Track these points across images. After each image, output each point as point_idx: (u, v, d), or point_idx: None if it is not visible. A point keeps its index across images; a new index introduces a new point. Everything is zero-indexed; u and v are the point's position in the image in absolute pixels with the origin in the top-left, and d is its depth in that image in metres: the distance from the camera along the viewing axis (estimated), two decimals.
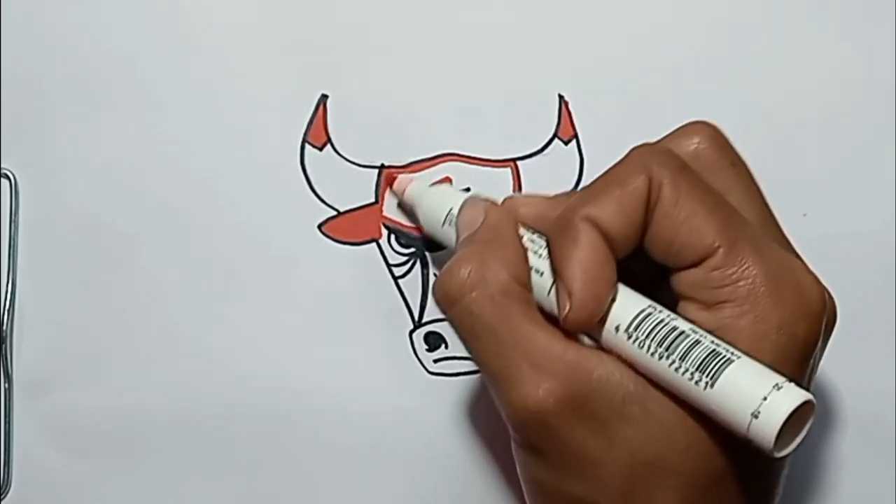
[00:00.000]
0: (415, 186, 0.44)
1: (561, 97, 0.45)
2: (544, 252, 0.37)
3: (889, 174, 0.45)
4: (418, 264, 0.45)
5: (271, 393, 0.45)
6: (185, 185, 0.45)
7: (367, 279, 0.45)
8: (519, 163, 0.45)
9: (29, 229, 0.46)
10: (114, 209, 0.46)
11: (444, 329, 0.45)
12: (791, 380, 0.32)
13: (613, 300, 0.35)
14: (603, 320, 0.35)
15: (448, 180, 0.45)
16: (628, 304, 0.35)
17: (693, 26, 0.45)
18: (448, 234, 0.41)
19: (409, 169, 0.45)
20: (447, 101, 0.45)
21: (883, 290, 0.44)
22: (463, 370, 0.45)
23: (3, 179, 0.46)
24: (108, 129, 0.46)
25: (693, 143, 0.37)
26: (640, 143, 0.37)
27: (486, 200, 0.40)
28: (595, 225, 0.35)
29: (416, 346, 0.46)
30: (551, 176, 0.45)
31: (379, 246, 0.45)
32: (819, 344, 0.35)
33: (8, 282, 0.46)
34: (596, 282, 0.35)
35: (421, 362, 0.45)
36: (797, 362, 0.34)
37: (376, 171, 0.45)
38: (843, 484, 0.46)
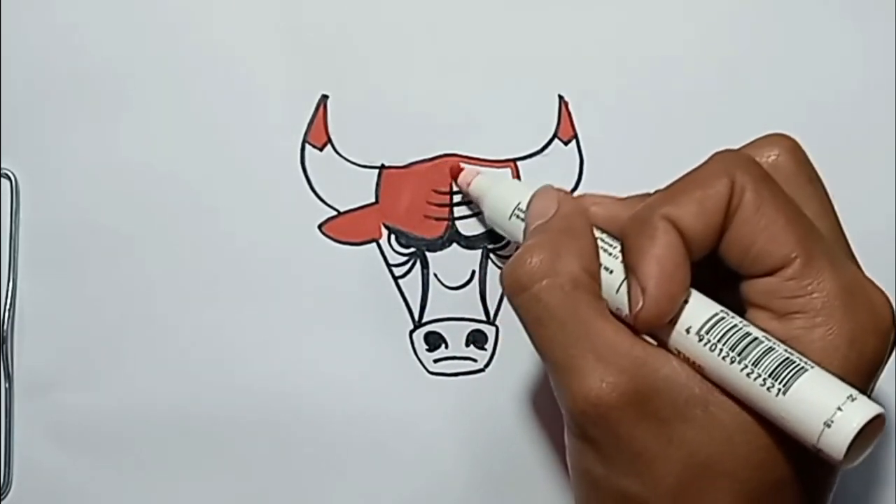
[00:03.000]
0: (481, 179, 0.44)
1: (561, 97, 0.45)
2: (614, 250, 0.37)
3: (889, 174, 0.45)
4: (418, 264, 0.45)
5: (271, 393, 0.45)
6: (185, 186, 0.45)
7: (367, 279, 0.45)
8: (519, 163, 0.45)
9: (29, 229, 0.46)
10: (114, 209, 0.46)
11: (444, 329, 0.45)
12: (863, 392, 0.32)
13: (685, 302, 0.35)
14: (673, 321, 0.35)
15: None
16: (700, 307, 0.35)
17: (693, 27, 0.45)
18: (513, 228, 0.41)
19: (409, 169, 0.45)
20: (447, 101, 0.45)
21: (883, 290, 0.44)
22: (463, 370, 0.45)
23: (3, 179, 0.46)
24: (108, 129, 0.46)
25: (773, 154, 0.37)
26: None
27: (559, 191, 0.40)
28: (674, 224, 0.35)
29: (416, 346, 0.46)
30: (551, 176, 0.45)
31: (379, 246, 0.45)
32: (885, 360, 0.35)
33: (8, 282, 0.46)
34: (671, 280, 0.34)
35: (421, 362, 0.45)
36: (864, 377, 0.34)
37: (376, 171, 0.45)
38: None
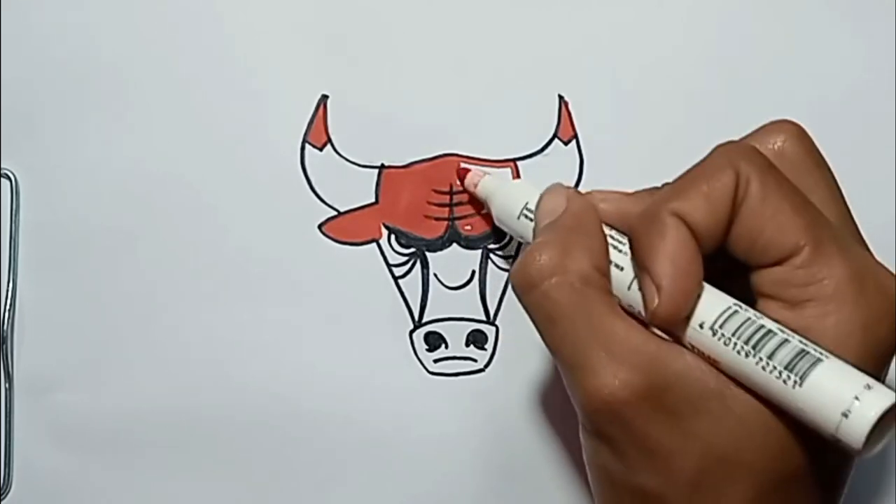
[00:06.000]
0: (489, 179, 0.44)
1: (561, 97, 0.45)
2: (624, 247, 0.37)
3: (889, 174, 0.45)
4: (418, 264, 0.45)
5: (271, 393, 0.46)
6: (185, 186, 0.45)
7: (367, 279, 0.45)
8: (519, 163, 0.45)
9: (29, 229, 0.46)
10: (114, 209, 0.46)
11: (444, 329, 0.45)
12: (879, 380, 0.32)
13: (698, 297, 0.35)
14: (686, 317, 0.35)
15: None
16: (713, 302, 0.35)
17: (693, 26, 0.45)
18: (522, 227, 0.41)
19: (409, 169, 0.45)
20: (447, 102, 0.45)
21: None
22: (463, 370, 0.46)
23: (3, 179, 0.46)
24: (109, 129, 0.46)
25: (778, 142, 0.37)
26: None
27: (568, 189, 0.40)
28: (683, 220, 0.35)
29: (416, 346, 0.46)
30: (551, 176, 0.45)
31: (379, 246, 0.45)
32: None
33: (8, 282, 0.46)
34: (685, 276, 0.34)
35: (421, 362, 0.46)
36: (880, 362, 0.34)
37: (376, 171, 0.45)
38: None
